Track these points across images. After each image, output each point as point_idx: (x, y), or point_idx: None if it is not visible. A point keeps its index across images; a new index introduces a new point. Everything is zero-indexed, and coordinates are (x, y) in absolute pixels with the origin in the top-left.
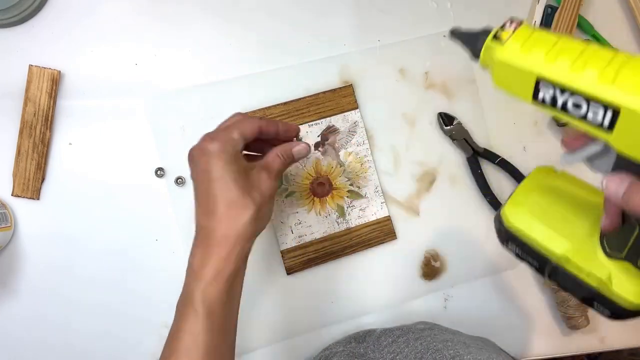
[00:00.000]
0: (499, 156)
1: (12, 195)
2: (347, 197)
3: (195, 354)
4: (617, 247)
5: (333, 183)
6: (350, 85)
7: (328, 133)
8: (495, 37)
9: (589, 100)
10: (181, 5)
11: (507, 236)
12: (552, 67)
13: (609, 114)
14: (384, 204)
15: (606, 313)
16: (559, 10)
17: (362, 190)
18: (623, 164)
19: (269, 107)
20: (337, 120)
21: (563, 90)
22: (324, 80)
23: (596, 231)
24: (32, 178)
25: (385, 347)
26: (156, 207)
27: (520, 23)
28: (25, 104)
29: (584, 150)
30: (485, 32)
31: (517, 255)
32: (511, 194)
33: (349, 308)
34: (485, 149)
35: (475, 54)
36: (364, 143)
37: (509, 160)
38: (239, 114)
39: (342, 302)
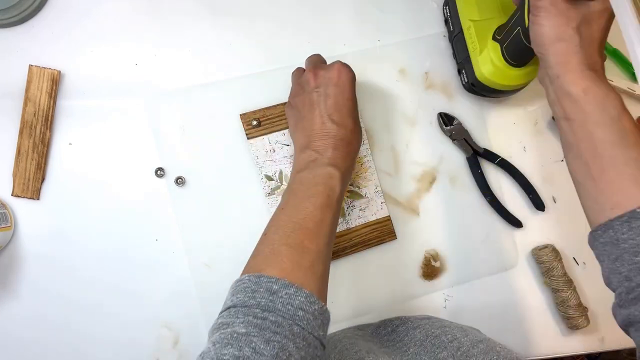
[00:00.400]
0: (499, 156)
1: (12, 195)
2: (347, 197)
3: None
4: (499, 33)
5: None
6: None
7: None
8: None
9: None
10: (181, 6)
11: (447, 3)
12: None
13: None
14: (384, 204)
15: (464, 80)
16: None
17: (362, 190)
18: None
19: (269, 107)
20: None
21: None
22: None
23: (498, 18)
24: (32, 178)
25: (384, 336)
26: (156, 207)
27: None
28: (25, 104)
29: None
30: None
31: (446, 20)
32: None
33: (349, 308)
34: (485, 149)
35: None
36: (364, 143)
37: (509, 160)
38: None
39: (342, 302)
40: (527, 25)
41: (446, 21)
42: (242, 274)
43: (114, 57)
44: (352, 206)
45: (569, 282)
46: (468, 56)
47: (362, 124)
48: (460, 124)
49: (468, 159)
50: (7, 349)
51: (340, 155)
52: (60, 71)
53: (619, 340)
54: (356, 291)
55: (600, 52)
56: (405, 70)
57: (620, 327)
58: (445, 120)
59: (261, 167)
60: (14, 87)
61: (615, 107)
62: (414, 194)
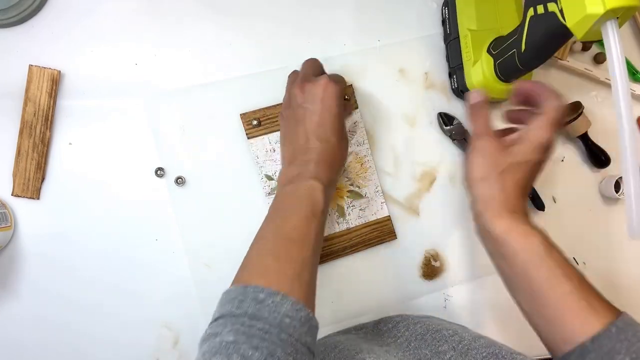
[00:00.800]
0: None
1: (12, 195)
2: (347, 197)
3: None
4: (495, 48)
5: None
6: (351, 86)
7: None
8: None
9: None
10: (181, 6)
11: (447, 4)
12: None
13: None
14: (384, 203)
15: (453, 85)
16: None
17: (362, 190)
18: None
19: (269, 107)
20: None
21: None
22: None
23: (496, 30)
24: (32, 178)
25: (385, 332)
26: (156, 207)
27: None
28: (25, 104)
29: None
30: None
31: (443, 21)
32: None
33: (349, 308)
34: None
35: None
36: (364, 143)
37: None
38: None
39: (342, 302)
40: (523, 50)
41: (443, 22)
42: (230, 286)
43: (114, 57)
44: (352, 206)
45: None
46: (461, 64)
47: (363, 125)
48: (460, 124)
49: None
50: (7, 348)
51: (323, 169)
52: (60, 71)
53: None
54: (356, 291)
55: (523, 196)
56: (405, 70)
57: None
58: (445, 120)
59: (261, 166)
60: (14, 87)
61: (539, 244)
62: (414, 194)
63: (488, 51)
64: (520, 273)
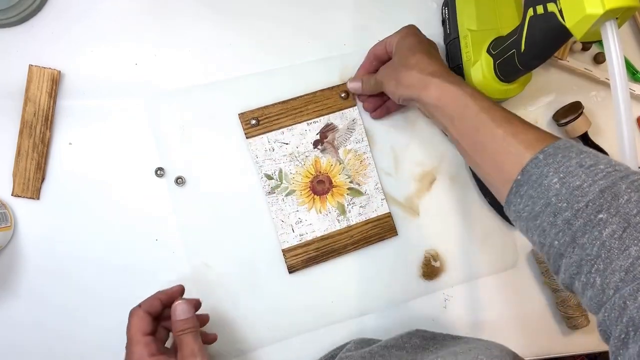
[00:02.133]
0: None
1: (12, 195)
2: (347, 194)
3: None
4: (494, 48)
5: (333, 181)
6: (345, 84)
7: (327, 131)
8: None
9: None
10: (181, 5)
11: (447, 4)
12: None
13: None
14: (384, 200)
15: None
16: None
17: (362, 187)
18: None
19: (268, 106)
20: (335, 118)
21: None
22: (324, 80)
23: (496, 30)
24: (32, 178)
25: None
26: (156, 207)
27: None
28: (25, 104)
29: None
30: None
31: (443, 21)
32: None
33: (349, 308)
34: None
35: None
36: (362, 140)
37: None
38: (135, 310)
39: (342, 302)
40: (522, 50)
41: (443, 22)
42: None
43: (114, 57)
44: (353, 203)
45: None
46: (461, 64)
47: (362, 122)
48: None
49: None
50: (7, 348)
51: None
52: (60, 71)
53: None
54: (356, 291)
55: (434, 60)
56: None
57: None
58: None
59: (261, 166)
60: (14, 87)
61: (466, 98)
62: (414, 193)
63: (488, 51)
64: (462, 132)
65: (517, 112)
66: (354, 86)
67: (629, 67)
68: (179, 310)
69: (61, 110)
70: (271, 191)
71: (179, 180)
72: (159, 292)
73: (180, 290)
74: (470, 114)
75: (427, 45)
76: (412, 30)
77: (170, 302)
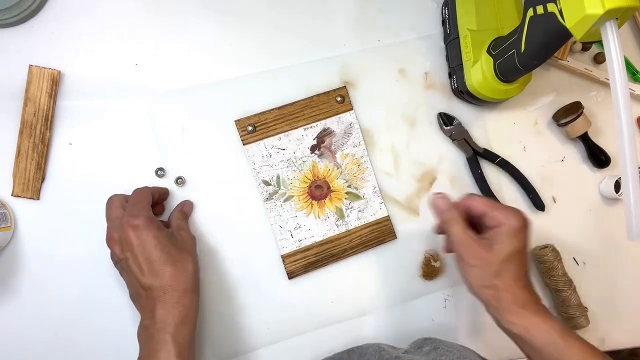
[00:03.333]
0: (499, 156)
1: (12, 195)
2: (346, 199)
3: None
4: (494, 48)
5: (331, 185)
6: (344, 87)
7: (323, 136)
8: None
9: None
10: (181, 6)
11: (447, 4)
12: None
13: None
14: (383, 204)
15: (453, 85)
16: None
17: (360, 191)
18: None
19: (264, 112)
20: (332, 123)
21: None
22: (324, 80)
23: (496, 30)
24: (32, 178)
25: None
26: None
27: None
28: (25, 104)
29: None
30: None
31: (443, 21)
32: None
33: (349, 308)
34: (485, 149)
35: None
36: (360, 144)
37: (509, 160)
38: (138, 189)
39: (342, 302)
40: (522, 50)
41: (443, 22)
42: None
43: (114, 57)
44: (351, 207)
45: (569, 282)
46: (461, 64)
47: (359, 126)
48: (460, 124)
49: (468, 159)
50: (8, 348)
51: (162, 310)
52: (60, 71)
53: (619, 340)
54: (356, 291)
55: (527, 286)
56: (405, 70)
57: None
58: (445, 120)
59: (258, 172)
60: (14, 87)
61: (557, 337)
62: (414, 194)
63: (488, 51)
64: None
65: (517, 112)
66: (440, 205)
67: (629, 67)
68: (191, 207)
69: (61, 110)
70: (269, 197)
71: (179, 181)
72: (154, 187)
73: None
74: (557, 352)
75: (526, 255)
76: (526, 228)
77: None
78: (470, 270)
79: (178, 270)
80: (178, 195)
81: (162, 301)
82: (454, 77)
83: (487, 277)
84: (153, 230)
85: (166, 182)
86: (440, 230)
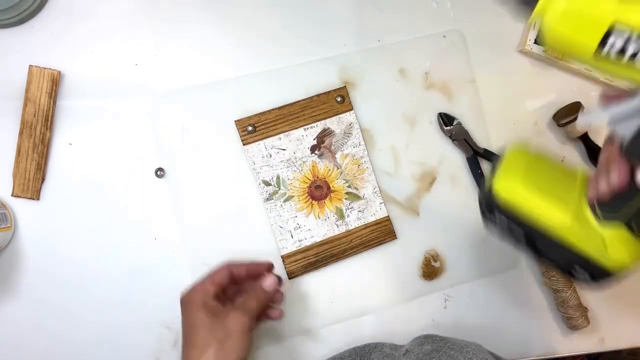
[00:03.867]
0: (499, 156)
1: (12, 195)
2: (346, 199)
3: None
4: (612, 215)
5: (331, 186)
6: (344, 87)
7: (323, 136)
8: None
9: None
10: (181, 6)
11: (495, 207)
12: (633, 9)
13: None
14: (383, 204)
15: (585, 277)
16: None
17: (360, 191)
18: None
19: (264, 112)
20: (332, 123)
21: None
22: (324, 80)
23: (582, 202)
24: (32, 178)
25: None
26: (156, 207)
27: None
28: (25, 104)
29: (618, 107)
30: None
31: (499, 226)
32: (495, 168)
33: (349, 308)
34: (485, 149)
35: (529, 2)
36: (359, 144)
37: None
38: (222, 265)
39: (342, 303)
40: None
41: (498, 227)
42: None
43: (114, 57)
44: (351, 208)
45: (569, 282)
46: (579, 255)
47: (358, 126)
48: (460, 124)
49: (468, 159)
50: (7, 348)
51: None
52: (60, 71)
53: (619, 340)
54: (356, 291)
55: None
56: (405, 70)
57: None
58: (445, 120)
59: (258, 172)
60: (14, 87)
61: None
62: (414, 194)
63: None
64: None
65: (517, 112)
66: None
67: None
68: (269, 282)
69: (61, 110)
70: (269, 197)
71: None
72: (250, 263)
73: (269, 266)
74: None
75: None
76: None
77: (255, 273)
78: None
79: (201, 353)
80: (178, 195)
81: None
82: (577, 267)
83: None
84: (194, 309)
85: (166, 182)
86: None
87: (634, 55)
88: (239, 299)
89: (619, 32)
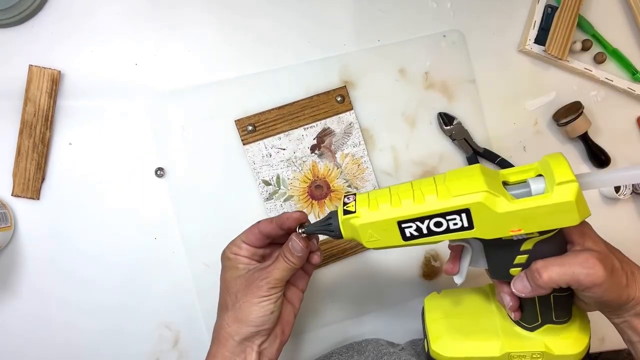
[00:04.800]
0: (499, 156)
1: (12, 195)
2: None
3: None
4: (532, 319)
5: (331, 185)
6: (344, 87)
7: (323, 135)
8: (345, 211)
9: (444, 215)
10: (181, 6)
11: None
12: (402, 209)
13: (464, 216)
14: None
15: None
16: (559, 10)
17: (360, 191)
18: (491, 255)
19: (264, 112)
20: (332, 122)
21: (422, 219)
22: (324, 80)
23: (507, 320)
24: (32, 178)
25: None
26: (156, 207)
27: (354, 194)
28: (25, 104)
29: (463, 264)
30: (333, 214)
31: None
32: (426, 334)
33: (349, 308)
34: (485, 149)
35: (337, 235)
36: (359, 144)
37: (509, 160)
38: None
39: (342, 302)
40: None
41: None
42: None
43: (114, 57)
44: None
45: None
46: None
47: (358, 126)
48: (460, 124)
49: (468, 159)
50: (8, 348)
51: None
52: (60, 71)
53: (619, 340)
54: (356, 291)
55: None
56: (405, 70)
57: None
58: (445, 120)
59: (258, 172)
60: (14, 87)
61: None
62: None
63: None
64: None
65: (517, 112)
66: (521, 285)
67: (629, 67)
68: (292, 245)
69: (61, 110)
70: (269, 197)
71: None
72: (278, 217)
73: (299, 217)
74: None
75: None
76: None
77: (287, 228)
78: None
79: (221, 312)
80: (178, 194)
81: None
82: None
83: (606, 274)
84: (225, 269)
85: (166, 182)
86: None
87: (429, 230)
88: (269, 261)
89: (406, 224)
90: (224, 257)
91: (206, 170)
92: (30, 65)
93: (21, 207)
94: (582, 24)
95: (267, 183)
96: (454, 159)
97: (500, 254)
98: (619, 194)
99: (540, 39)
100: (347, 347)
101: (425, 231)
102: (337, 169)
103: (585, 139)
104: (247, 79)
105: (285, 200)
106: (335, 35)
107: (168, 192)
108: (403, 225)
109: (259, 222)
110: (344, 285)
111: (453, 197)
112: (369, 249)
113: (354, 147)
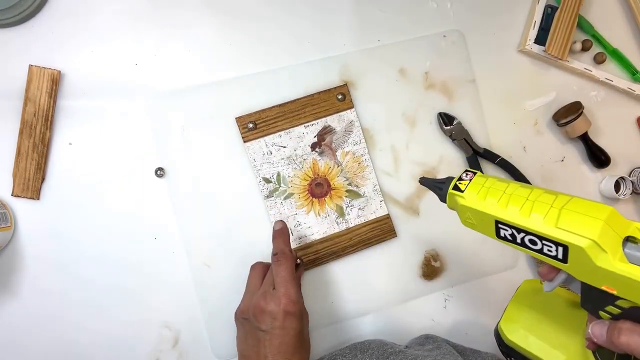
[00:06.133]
0: (499, 156)
1: (12, 195)
2: (346, 196)
3: None
4: (607, 357)
5: (331, 183)
6: (345, 85)
7: (324, 133)
8: (456, 186)
9: (541, 238)
10: (181, 6)
11: (508, 350)
12: (505, 212)
13: (561, 249)
14: (383, 202)
15: None
16: (559, 10)
17: (360, 189)
18: (585, 289)
19: (264, 110)
20: (332, 120)
21: (519, 230)
22: (324, 80)
23: (584, 342)
24: (32, 178)
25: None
26: (156, 207)
27: (475, 173)
28: (25, 104)
29: (558, 277)
30: (448, 181)
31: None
32: (505, 309)
33: (349, 308)
34: (485, 149)
35: (442, 198)
36: (360, 142)
37: (509, 160)
38: (287, 264)
39: (342, 302)
40: None
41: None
42: None
43: (114, 57)
44: (351, 205)
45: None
46: None
47: (359, 124)
48: (460, 124)
49: (468, 159)
50: (8, 348)
51: None
52: (60, 71)
53: None
54: (356, 291)
55: None
56: (405, 70)
57: None
58: (445, 120)
59: (258, 169)
60: (14, 87)
61: None
62: (414, 193)
63: None
64: None
65: (517, 112)
66: (599, 330)
67: (629, 67)
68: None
69: (61, 110)
70: (269, 195)
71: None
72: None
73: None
74: None
75: None
76: None
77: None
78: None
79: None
80: (178, 194)
81: None
82: None
83: None
84: (299, 314)
85: (166, 182)
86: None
87: (522, 242)
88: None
89: (503, 226)
90: (305, 310)
91: (206, 170)
92: (30, 65)
93: (21, 207)
94: (582, 24)
95: (267, 181)
96: (454, 159)
97: (595, 294)
98: (619, 194)
99: (540, 39)
100: (351, 347)
101: (519, 241)
102: (338, 167)
103: (585, 139)
104: (247, 79)
105: (285, 198)
106: (336, 36)
107: (168, 192)
108: (500, 225)
109: (274, 268)
110: (344, 285)
111: (557, 228)
112: (380, 243)
113: (354, 145)
